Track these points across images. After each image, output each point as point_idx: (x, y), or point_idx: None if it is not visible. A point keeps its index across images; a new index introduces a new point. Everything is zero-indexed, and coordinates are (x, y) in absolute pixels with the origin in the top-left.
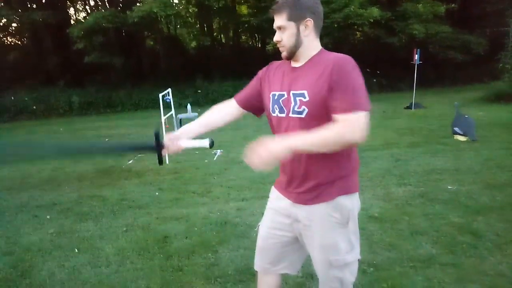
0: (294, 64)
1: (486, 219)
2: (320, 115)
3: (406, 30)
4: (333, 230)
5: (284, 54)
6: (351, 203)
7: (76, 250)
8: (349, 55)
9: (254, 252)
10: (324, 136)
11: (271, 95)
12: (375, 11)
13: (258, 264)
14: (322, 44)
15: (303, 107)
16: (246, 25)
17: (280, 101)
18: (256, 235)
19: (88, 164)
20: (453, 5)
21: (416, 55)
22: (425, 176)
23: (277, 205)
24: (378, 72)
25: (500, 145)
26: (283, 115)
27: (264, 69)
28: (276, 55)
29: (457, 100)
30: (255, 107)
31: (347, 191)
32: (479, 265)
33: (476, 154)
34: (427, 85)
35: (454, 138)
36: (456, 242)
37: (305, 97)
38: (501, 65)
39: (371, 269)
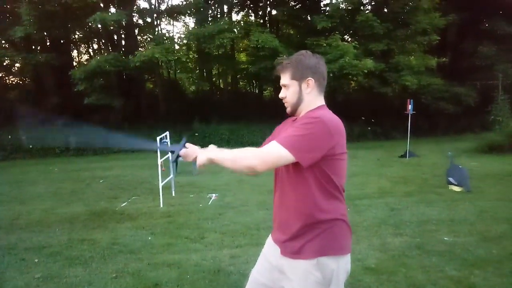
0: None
1: (483, 273)
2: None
3: (399, 81)
4: None
5: (288, 109)
6: (336, 265)
7: None
8: (343, 104)
9: None
10: (235, 153)
11: None
12: (369, 63)
13: None
14: None
15: None
16: (244, 72)
17: None
18: None
19: (81, 205)
20: (444, 59)
21: (410, 106)
22: (421, 226)
23: (269, 251)
24: (373, 120)
25: (495, 196)
26: None
27: (282, 123)
28: (272, 102)
29: (449, 150)
30: None
31: (332, 253)
32: None
33: (471, 205)
34: (420, 135)
35: (449, 188)
36: None
37: None
38: (492, 117)
39: None
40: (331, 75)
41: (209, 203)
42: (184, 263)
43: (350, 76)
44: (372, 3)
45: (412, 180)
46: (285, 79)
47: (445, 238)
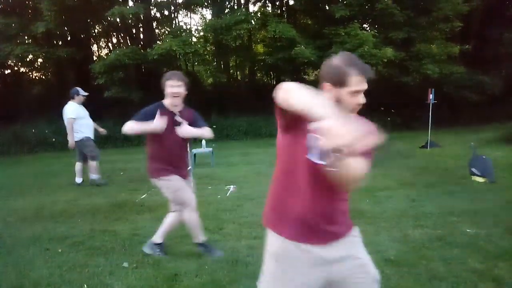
0: None
1: (508, 265)
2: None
3: (420, 70)
4: None
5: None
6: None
7: (85, 286)
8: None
9: None
10: None
11: None
12: (389, 52)
13: None
14: None
15: None
16: (262, 63)
17: None
18: None
19: (102, 197)
20: (467, 46)
21: (431, 95)
22: (442, 218)
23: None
24: (393, 111)
25: None
26: None
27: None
28: None
29: (472, 140)
30: None
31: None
32: None
33: (495, 196)
34: (442, 125)
35: (472, 179)
36: None
37: None
38: None
39: None
40: None
41: (227, 194)
42: (202, 254)
43: (369, 66)
44: None
45: (434, 171)
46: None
47: (468, 230)
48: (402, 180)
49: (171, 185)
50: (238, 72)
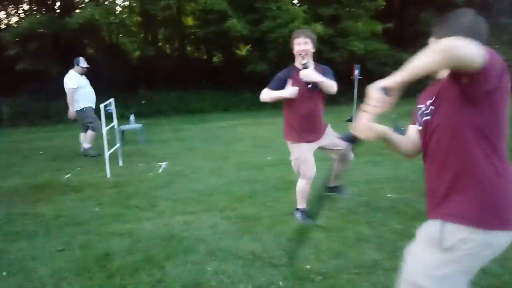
0: None
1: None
2: None
3: (346, 47)
4: None
5: None
6: None
7: (4, 273)
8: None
9: (203, 267)
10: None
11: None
12: (318, 27)
13: None
14: (266, 58)
15: None
16: (192, 37)
17: None
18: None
19: (19, 178)
20: (389, 25)
21: (356, 71)
22: (368, 185)
23: None
24: None
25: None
26: None
27: None
28: (222, 68)
29: (392, 114)
30: None
31: None
32: None
33: (412, 164)
34: (364, 99)
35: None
36: (397, 247)
37: None
38: (431, 82)
39: (319, 277)
40: (280, 40)
41: (159, 171)
42: (135, 231)
43: None
44: None
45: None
46: None
47: (389, 195)
48: None
49: (296, 151)
50: (167, 46)
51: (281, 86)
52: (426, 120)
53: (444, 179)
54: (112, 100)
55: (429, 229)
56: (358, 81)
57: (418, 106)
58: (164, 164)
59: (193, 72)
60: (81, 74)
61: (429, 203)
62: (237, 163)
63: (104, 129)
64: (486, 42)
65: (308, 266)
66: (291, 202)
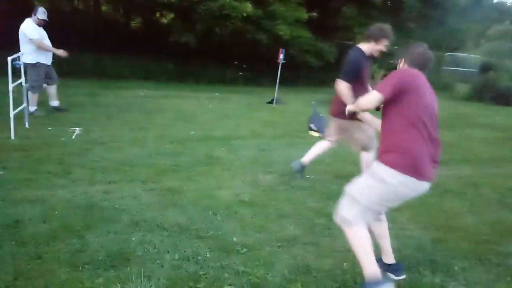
0: None
1: (337, 204)
2: None
3: (273, 30)
4: None
5: None
6: None
7: None
8: (218, 46)
9: (127, 237)
10: None
11: None
12: (248, 7)
13: None
14: (194, 30)
15: None
16: None
17: None
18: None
19: None
20: (314, 14)
21: (281, 55)
22: (287, 165)
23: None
24: (245, 66)
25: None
26: None
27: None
28: (141, 35)
29: (310, 100)
30: None
31: None
32: (333, 242)
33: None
34: (286, 84)
35: (309, 133)
36: (314, 224)
37: None
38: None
39: (244, 249)
40: (209, 13)
41: (73, 137)
42: (49, 198)
43: (229, 18)
44: None
45: (279, 125)
46: None
47: (307, 176)
48: (253, 131)
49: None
50: (79, 1)
51: (359, 73)
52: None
53: (385, 139)
54: (21, 54)
55: (374, 165)
56: (281, 65)
57: None
58: (78, 130)
59: (110, 35)
60: (39, 26)
61: (379, 150)
62: (159, 135)
63: (10, 86)
64: (428, 68)
65: (234, 239)
66: (217, 177)
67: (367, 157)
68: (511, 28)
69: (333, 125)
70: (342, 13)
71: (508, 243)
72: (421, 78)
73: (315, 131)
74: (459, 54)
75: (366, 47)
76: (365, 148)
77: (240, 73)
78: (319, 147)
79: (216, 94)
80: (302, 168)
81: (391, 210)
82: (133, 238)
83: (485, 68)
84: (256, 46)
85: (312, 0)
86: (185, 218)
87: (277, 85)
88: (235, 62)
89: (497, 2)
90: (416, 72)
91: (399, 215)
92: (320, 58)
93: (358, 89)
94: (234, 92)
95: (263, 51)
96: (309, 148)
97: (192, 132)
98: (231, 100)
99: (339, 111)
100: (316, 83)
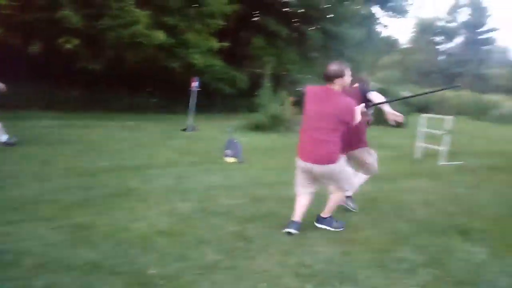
0: None
1: (254, 227)
2: None
3: (186, 58)
4: None
5: None
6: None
7: None
8: (131, 74)
9: (30, 282)
10: None
11: None
12: (161, 35)
13: None
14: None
15: None
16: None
17: None
18: None
19: None
20: (226, 44)
21: (195, 83)
22: (205, 192)
23: None
24: (158, 93)
25: (260, 166)
26: None
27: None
28: (45, 59)
29: (225, 126)
30: None
31: None
32: (252, 265)
33: (243, 173)
34: (201, 111)
35: (225, 159)
36: (234, 247)
37: None
38: (258, 100)
39: (163, 281)
40: (120, 40)
41: None
42: None
43: (141, 46)
44: None
45: (195, 152)
46: None
47: (225, 201)
48: (169, 159)
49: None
50: None
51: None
52: None
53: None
54: None
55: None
56: (195, 93)
57: None
58: None
59: (7, 61)
60: None
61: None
62: (66, 168)
63: None
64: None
65: (151, 271)
66: (132, 209)
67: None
68: (398, 59)
69: (348, 156)
70: (252, 44)
71: (402, 249)
72: (313, 90)
73: (231, 157)
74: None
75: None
76: (372, 172)
77: (154, 100)
78: (360, 178)
79: (128, 122)
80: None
81: (302, 230)
82: (37, 283)
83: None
84: (170, 74)
85: (224, 31)
86: (97, 254)
87: (191, 112)
88: (148, 90)
89: (386, 36)
90: (312, 87)
91: (309, 232)
92: (233, 85)
93: None
94: (148, 120)
95: (177, 78)
96: (224, 174)
97: (103, 164)
98: (144, 128)
99: (356, 140)
100: (230, 110)
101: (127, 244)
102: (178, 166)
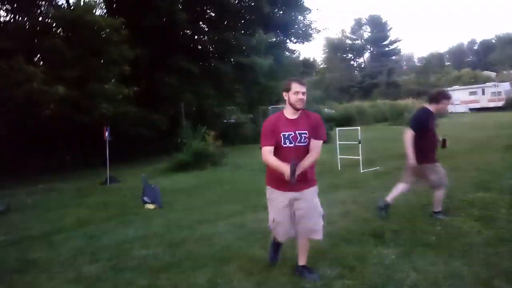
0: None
1: (172, 275)
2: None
3: (95, 109)
4: None
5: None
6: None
7: None
8: (37, 134)
9: None
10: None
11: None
12: (60, 89)
13: None
14: None
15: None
16: None
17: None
18: None
19: None
20: (136, 88)
21: (107, 132)
22: (117, 248)
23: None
24: (71, 149)
25: (182, 207)
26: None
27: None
28: None
29: (148, 171)
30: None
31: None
32: None
33: (162, 218)
34: (121, 160)
35: (145, 207)
36: None
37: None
38: (179, 139)
39: None
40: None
41: None
42: None
43: (40, 103)
44: (60, 29)
45: (112, 205)
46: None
47: (137, 253)
48: (80, 218)
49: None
50: None
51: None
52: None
53: None
54: None
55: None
56: (110, 142)
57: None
58: None
59: None
60: None
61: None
62: None
63: None
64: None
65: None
66: (32, 283)
67: (438, 193)
68: (317, 79)
69: (410, 169)
70: (167, 84)
71: (320, 265)
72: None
73: (149, 203)
74: (281, 106)
75: (431, 107)
76: (436, 187)
77: (69, 157)
78: (399, 188)
79: (39, 186)
80: (386, 206)
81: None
82: None
83: None
84: (83, 127)
85: (136, 75)
86: None
87: (108, 164)
88: (60, 146)
89: (303, 59)
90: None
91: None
92: (152, 128)
93: (424, 137)
94: (62, 180)
95: (90, 130)
96: (141, 222)
97: (2, 237)
98: (57, 189)
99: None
100: (153, 153)
101: None
102: (91, 224)
